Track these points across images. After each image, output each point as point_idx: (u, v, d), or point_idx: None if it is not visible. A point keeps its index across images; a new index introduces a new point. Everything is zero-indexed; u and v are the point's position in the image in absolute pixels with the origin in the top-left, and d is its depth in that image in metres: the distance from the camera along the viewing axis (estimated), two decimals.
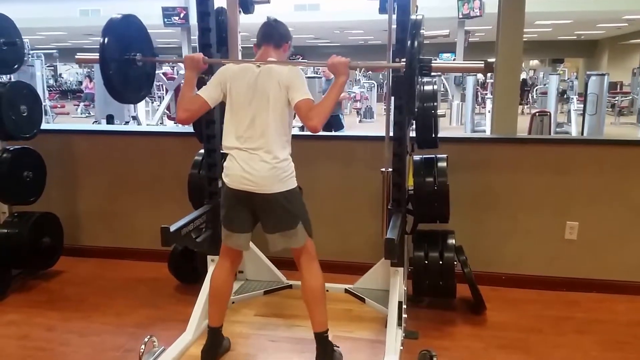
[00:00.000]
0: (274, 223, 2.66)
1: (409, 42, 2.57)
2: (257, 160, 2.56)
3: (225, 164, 2.68)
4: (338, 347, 2.78)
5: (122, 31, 2.91)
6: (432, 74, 2.77)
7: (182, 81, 9.38)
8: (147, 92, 3.12)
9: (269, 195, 2.57)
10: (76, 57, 3.07)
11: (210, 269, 3.30)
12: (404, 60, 2.58)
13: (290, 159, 2.64)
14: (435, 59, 2.75)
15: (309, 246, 2.74)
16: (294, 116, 2.67)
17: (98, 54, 2.78)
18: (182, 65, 12.65)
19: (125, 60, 2.90)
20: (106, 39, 2.79)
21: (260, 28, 2.77)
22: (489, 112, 12.72)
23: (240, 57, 3.46)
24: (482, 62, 2.67)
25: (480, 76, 16.14)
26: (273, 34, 2.73)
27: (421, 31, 2.66)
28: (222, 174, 2.68)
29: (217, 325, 2.82)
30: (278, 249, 2.70)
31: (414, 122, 3.31)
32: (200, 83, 2.78)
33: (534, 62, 31.36)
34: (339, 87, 2.59)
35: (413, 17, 2.70)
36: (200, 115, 2.75)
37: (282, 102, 2.57)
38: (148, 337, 2.75)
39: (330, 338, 2.72)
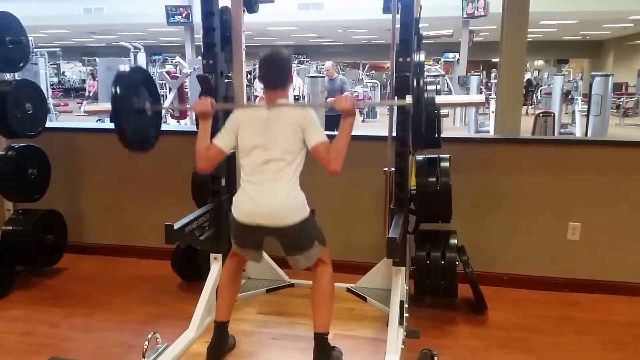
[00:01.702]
0: (290, 248, 2.72)
1: (414, 81, 2.63)
2: (270, 194, 2.58)
3: (235, 197, 2.69)
4: (336, 347, 2.79)
5: (131, 82, 2.99)
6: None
7: (185, 80, 9.38)
8: (156, 139, 3.20)
9: (284, 228, 2.60)
10: (86, 108, 3.15)
11: (213, 266, 3.32)
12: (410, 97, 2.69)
13: (301, 191, 2.65)
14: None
15: (324, 255, 2.79)
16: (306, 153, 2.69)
17: (110, 106, 2.86)
18: (184, 63, 12.57)
19: (135, 109, 2.96)
20: (117, 90, 2.85)
21: (261, 72, 2.74)
22: (492, 112, 12.69)
23: (244, 57, 3.47)
24: (482, 96, 2.75)
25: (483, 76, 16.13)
26: (273, 80, 2.71)
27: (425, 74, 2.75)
28: (232, 208, 2.68)
29: (225, 319, 2.83)
30: (302, 268, 2.76)
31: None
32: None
33: (539, 63, 31.30)
34: (349, 128, 2.63)
35: (416, 57, 2.75)
36: (218, 162, 2.80)
37: (297, 140, 2.60)
38: (151, 333, 2.76)
39: (331, 337, 2.73)
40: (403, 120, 3.08)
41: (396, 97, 3.04)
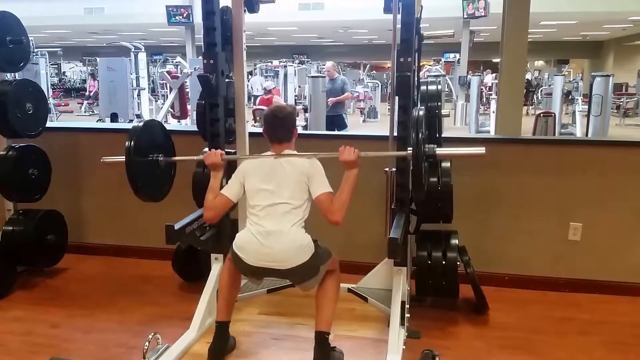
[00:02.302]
0: (297, 280, 2.78)
1: (413, 135, 2.72)
2: (276, 236, 2.62)
3: (240, 236, 2.72)
4: (337, 348, 2.79)
5: (144, 135, 3.12)
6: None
7: (186, 80, 9.37)
8: (169, 187, 3.33)
9: (288, 270, 2.64)
10: (102, 160, 3.27)
11: (214, 267, 3.31)
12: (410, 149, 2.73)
13: (306, 233, 2.69)
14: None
15: (332, 263, 2.83)
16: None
17: (124, 157, 2.96)
18: (184, 63, 12.56)
19: (149, 161, 3.08)
20: (132, 144, 2.97)
21: (266, 127, 2.84)
22: (493, 112, 12.69)
23: (244, 56, 3.47)
24: (483, 148, 2.77)
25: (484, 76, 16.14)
26: (281, 136, 2.80)
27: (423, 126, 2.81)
28: (234, 247, 2.71)
29: (226, 319, 2.83)
30: (312, 289, 2.79)
31: None
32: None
33: (539, 63, 31.30)
34: (353, 180, 2.70)
35: (415, 113, 2.78)
36: (225, 211, 2.88)
37: (303, 187, 2.68)
38: (152, 334, 2.76)
39: (332, 338, 2.73)
40: (404, 120, 3.07)
41: (397, 100, 3.05)
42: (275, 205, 2.65)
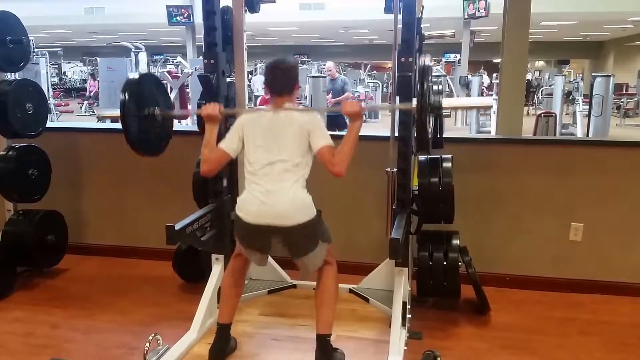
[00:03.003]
0: (297, 251, 2.71)
1: (419, 86, 2.63)
2: (277, 194, 2.57)
3: (240, 197, 2.68)
4: (338, 349, 2.78)
5: (140, 88, 2.98)
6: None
7: (187, 80, 9.38)
8: (166, 143, 3.20)
9: (292, 228, 2.58)
10: (98, 114, 3.16)
11: (215, 267, 3.31)
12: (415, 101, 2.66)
13: (307, 193, 2.65)
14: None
15: (329, 255, 2.79)
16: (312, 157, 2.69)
17: (119, 111, 2.85)
18: (185, 63, 12.58)
19: (145, 115, 2.96)
20: (126, 97, 2.85)
21: (268, 77, 2.79)
22: (494, 112, 12.66)
23: (245, 56, 3.47)
24: (492, 101, 2.72)
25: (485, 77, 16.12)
26: (282, 86, 2.74)
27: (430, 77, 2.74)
28: (236, 209, 2.67)
29: (227, 321, 2.83)
30: (312, 271, 2.77)
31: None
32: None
33: (540, 63, 31.28)
34: (356, 132, 2.65)
35: (422, 62, 2.74)
36: (222, 165, 2.82)
37: (303, 143, 2.62)
38: (152, 335, 2.76)
39: (333, 339, 2.72)
40: (405, 121, 3.07)
41: (398, 100, 3.04)
42: (274, 163, 2.59)
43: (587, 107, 11.15)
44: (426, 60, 2.75)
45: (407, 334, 3.04)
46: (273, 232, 2.61)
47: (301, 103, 11.55)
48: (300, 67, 18.85)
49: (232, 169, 3.45)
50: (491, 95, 15.86)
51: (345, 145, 2.59)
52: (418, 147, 3.06)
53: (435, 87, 2.85)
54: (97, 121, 13.22)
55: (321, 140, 2.59)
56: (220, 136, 2.82)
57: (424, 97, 2.63)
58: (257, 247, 2.76)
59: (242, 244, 2.77)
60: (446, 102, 2.81)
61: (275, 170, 2.59)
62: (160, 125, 3.07)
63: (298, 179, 2.60)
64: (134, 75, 3.05)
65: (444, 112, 3.43)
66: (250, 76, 19.49)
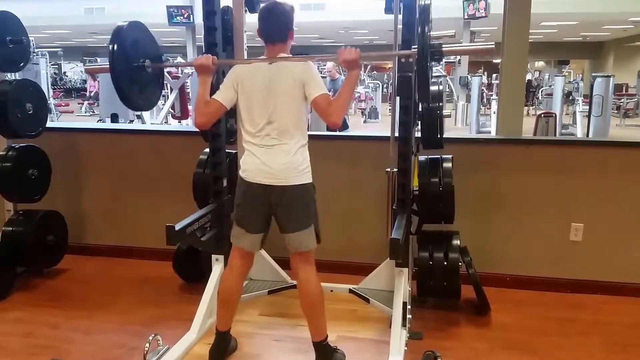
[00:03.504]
0: (290, 219, 2.65)
1: (419, 28, 2.57)
2: (276, 154, 2.58)
3: (242, 159, 2.69)
4: (338, 349, 2.78)
5: (129, 38, 2.90)
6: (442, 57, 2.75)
7: (187, 80, 9.36)
8: (157, 98, 3.15)
9: (286, 188, 2.58)
10: (85, 67, 3.13)
11: (215, 268, 3.31)
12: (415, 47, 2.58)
13: (307, 153, 2.65)
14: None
15: (312, 253, 2.73)
16: (310, 110, 2.69)
17: (108, 64, 2.81)
18: None
19: (135, 67, 2.91)
20: (115, 47, 2.79)
21: (260, 22, 2.71)
22: (494, 113, 12.68)
23: (246, 57, 3.46)
24: (492, 43, 2.69)
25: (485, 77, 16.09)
26: (274, 32, 2.68)
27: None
28: (239, 170, 2.69)
29: (226, 329, 2.81)
30: (297, 250, 2.68)
31: (419, 122, 3.31)
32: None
33: (540, 64, 31.27)
34: (353, 81, 2.60)
35: (421, 2, 2.67)
36: (217, 118, 2.77)
37: (299, 97, 2.58)
38: (152, 335, 2.76)
39: (333, 339, 2.71)
40: (406, 120, 3.07)
41: (398, 99, 3.04)
42: (273, 122, 2.58)
43: (587, 107, 11.15)
44: (426, 1, 2.67)
45: (408, 334, 3.04)
46: (270, 193, 2.60)
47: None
48: None
49: (231, 169, 3.45)
50: (491, 95, 15.84)
51: (342, 94, 2.57)
52: (419, 97, 3.01)
53: (434, 88, 2.81)
54: (98, 121, 13.24)
55: (316, 90, 2.55)
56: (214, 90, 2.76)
57: (425, 40, 2.55)
58: (254, 222, 2.70)
59: (238, 212, 2.73)
60: (447, 47, 2.73)
61: (274, 130, 2.59)
62: (151, 77, 3.02)
63: (296, 139, 2.60)
64: (123, 23, 2.92)
65: (444, 113, 3.43)
66: None
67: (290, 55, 2.70)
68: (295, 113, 2.60)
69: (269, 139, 2.60)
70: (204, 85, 2.71)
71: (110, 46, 2.79)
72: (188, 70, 11.97)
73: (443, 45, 2.70)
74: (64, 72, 28.03)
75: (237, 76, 2.68)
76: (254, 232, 2.72)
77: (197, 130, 3.62)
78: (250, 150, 2.64)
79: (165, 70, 14.71)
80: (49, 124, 4.13)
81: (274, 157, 2.58)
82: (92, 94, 19.76)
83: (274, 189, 2.60)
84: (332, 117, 2.51)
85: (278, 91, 2.59)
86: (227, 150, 3.46)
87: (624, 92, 18.80)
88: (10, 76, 4.32)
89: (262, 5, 2.76)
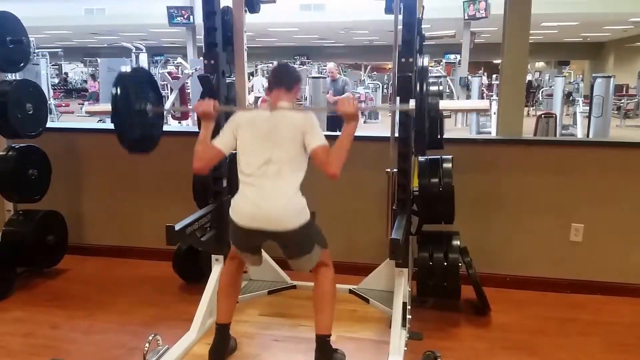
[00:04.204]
0: (291, 253, 2.70)
1: (418, 86, 2.64)
2: (270, 197, 2.54)
3: (234, 200, 2.65)
4: (338, 349, 2.78)
5: (132, 84, 2.94)
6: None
7: (187, 81, 9.36)
8: (157, 140, 3.18)
9: (283, 233, 2.56)
10: (86, 109, 3.14)
11: (215, 268, 3.31)
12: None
13: (302, 196, 2.62)
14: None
15: (325, 257, 2.77)
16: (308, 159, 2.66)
17: (110, 107, 2.84)
18: (185, 64, 12.55)
19: (136, 111, 2.93)
20: (118, 92, 2.82)
21: (272, 72, 2.85)
22: (494, 113, 12.67)
23: (245, 57, 3.47)
24: (487, 102, 2.75)
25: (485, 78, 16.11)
26: (284, 79, 2.77)
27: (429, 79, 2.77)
28: (230, 210, 2.65)
29: (226, 321, 2.81)
30: (305, 271, 2.76)
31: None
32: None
33: (540, 64, 31.28)
34: (351, 132, 2.60)
35: (421, 63, 2.75)
36: (215, 163, 2.79)
37: (298, 144, 2.58)
38: (152, 335, 2.76)
39: (333, 339, 2.71)
40: (405, 122, 3.07)
41: (398, 100, 3.04)
42: (269, 164, 2.57)
43: (588, 108, 11.14)
44: (425, 61, 2.75)
45: (407, 335, 3.04)
46: (266, 236, 2.61)
47: (301, 104, 11.57)
48: (300, 68, 18.82)
49: (231, 169, 3.44)
50: (491, 95, 15.85)
51: (340, 146, 2.56)
52: (415, 147, 3.07)
53: (434, 88, 2.85)
54: (98, 121, 13.23)
55: (315, 140, 2.56)
56: (216, 133, 2.79)
57: (422, 98, 2.64)
58: (250, 250, 2.76)
59: (235, 246, 2.76)
60: (443, 104, 2.83)
61: (270, 172, 2.56)
62: (151, 122, 3.05)
63: (293, 183, 2.57)
64: (126, 68, 3.04)
65: (445, 113, 3.43)
66: (250, 77, 19.47)
67: (291, 105, 2.75)
68: (293, 157, 2.59)
69: (264, 180, 2.56)
70: (206, 130, 2.75)
71: (113, 90, 2.83)
72: (188, 70, 11.99)
73: (440, 103, 2.84)
74: (65, 73, 28.08)
75: (237, 122, 2.71)
76: (251, 253, 2.79)
77: (197, 130, 3.64)
78: (244, 191, 2.61)
79: (166, 71, 14.65)
80: (49, 124, 4.13)
81: (269, 200, 2.54)
82: (91, 94, 19.77)
83: (271, 233, 2.58)
84: (331, 168, 2.51)
85: (277, 136, 2.60)
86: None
87: (624, 93, 18.80)
88: (10, 76, 4.31)
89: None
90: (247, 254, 2.78)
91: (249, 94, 13.41)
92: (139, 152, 3.07)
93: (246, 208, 2.58)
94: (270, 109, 2.69)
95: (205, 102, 2.77)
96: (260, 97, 13.86)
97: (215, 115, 2.78)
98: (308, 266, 2.73)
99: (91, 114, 3.05)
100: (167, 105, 11.84)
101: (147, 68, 13.84)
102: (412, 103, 2.80)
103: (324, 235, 2.79)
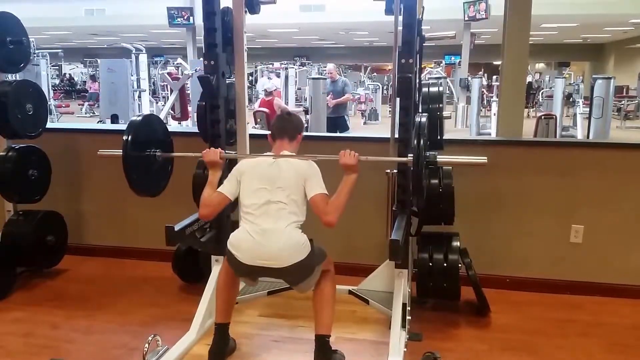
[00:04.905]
0: (292, 283, 2.78)
1: (415, 141, 2.71)
2: (272, 234, 2.60)
3: (235, 235, 2.69)
4: (338, 350, 2.78)
5: (143, 130, 3.12)
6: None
7: (187, 82, 9.34)
8: (166, 183, 3.36)
9: (284, 268, 2.61)
10: (99, 152, 3.27)
11: (214, 268, 3.31)
12: (411, 156, 2.73)
13: (302, 233, 2.67)
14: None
15: (326, 264, 2.82)
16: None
17: (121, 151, 2.97)
18: (185, 65, 12.52)
19: (146, 156, 3.09)
20: (129, 138, 2.98)
21: (275, 122, 2.98)
22: (494, 114, 12.69)
23: (245, 58, 3.46)
24: (485, 158, 2.82)
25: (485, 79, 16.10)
26: (287, 128, 2.88)
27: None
28: (229, 246, 2.68)
29: (225, 321, 2.82)
30: (308, 290, 2.79)
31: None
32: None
33: (540, 66, 31.29)
34: (351, 185, 2.69)
35: (418, 119, 2.81)
36: (220, 210, 2.85)
37: (299, 189, 2.67)
38: (152, 336, 2.76)
39: (333, 340, 2.72)
40: (405, 122, 3.07)
41: (398, 101, 3.05)
42: (271, 203, 2.64)
43: (588, 109, 11.14)
44: (422, 118, 2.79)
45: (407, 336, 3.04)
46: (266, 271, 2.66)
47: (301, 105, 11.60)
48: (300, 69, 18.76)
49: (231, 169, 3.44)
50: (491, 96, 15.84)
51: (339, 196, 2.64)
52: (415, 200, 3.12)
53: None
54: (98, 122, 13.24)
55: (315, 188, 2.64)
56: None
57: (420, 152, 2.70)
58: (249, 278, 2.85)
59: (234, 271, 2.78)
60: (440, 158, 2.94)
61: (272, 210, 2.64)
62: (160, 166, 3.20)
63: (294, 222, 2.64)
64: (138, 117, 3.21)
65: (445, 114, 3.43)
66: (250, 78, 19.45)
67: (294, 154, 2.82)
68: (294, 200, 2.66)
69: (265, 218, 2.62)
70: (213, 177, 2.88)
71: (124, 136, 2.98)
72: (188, 71, 11.99)
73: (437, 156, 2.94)
74: (65, 74, 28.09)
75: (241, 169, 2.80)
76: (251, 280, 2.91)
77: (197, 131, 3.65)
78: (245, 227, 2.66)
79: (166, 71, 14.65)
80: (49, 125, 4.14)
81: (271, 237, 2.59)
82: (91, 94, 19.77)
83: (272, 270, 2.64)
84: (329, 216, 2.58)
85: (279, 179, 2.68)
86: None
87: (624, 94, 18.81)
88: (10, 77, 4.32)
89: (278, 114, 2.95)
90: (246, 279, 2.87)
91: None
92: (148, 195, 3.24)
93: (247, 245, 2.63)
94: (273, 157, 2.79)
95: (212, 152, 2.92)
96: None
97: (222, 164, 2.92)
98: (310, 287, 2.77)
99: (106, 157, 3.19)
100: (167, 105, 11.86)
101: (146, 69, 13.88)
102: (409, 157, 2.82)
103: (323, 248, 2.82)
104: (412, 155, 2.72)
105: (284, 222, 2.62)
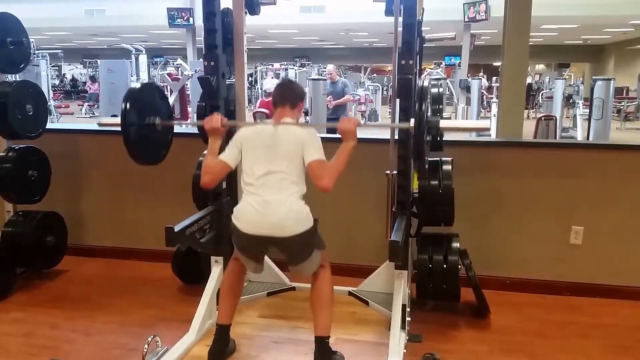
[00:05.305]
0: (292, 259, 2.76)
1: (417, 105, 2.70)
2: (274, 205, 2.60)
3: (237, 208, 2.71)
4: (337, 351, 2.78)
5: (141, 97, 3.09)
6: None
7: (187, 82, 9.35)
8: (166, 151, 3.33)
9: (288, 238, 2.61)
10: (98, 122, 3.27)
11: (214, 269, 3.31)
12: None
13: (305, 204, 2.67)
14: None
15: (323, 259, 2.81)
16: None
17: (120, 120, 2.94)
18: (185, 65, 12.57)
19: (145, 125, 3.05)
20: (127, 106, 2.95)
21: (276, 88, 2.93)
22: (494, 116, 12.67)
23: (245, 59, 3.47)
24: (488, 121, 2.78)
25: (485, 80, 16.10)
26: (289, 96, 2.84)
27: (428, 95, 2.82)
28: (233, 218, 2.69)
29: (227, 322, 2.83)
30: (305, 276, 2.82)
31: None
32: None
33: (540, 67, 31.29)
34: (348, 152, 2.66)
35: (420, 83, 2.77)
36: (222, 177, 2.89)
37: (299, 156, 2.65)
38: (151, 336, 2.76)
39: (332, 341, 2.72)
40: (404, 139, 3.07)
41: (398, 101, 3.04)
42: (271, 174, 2.63)
43: (588, 110, 11.14)
44: (424, 82, 2.79)
45: (407, 337, 3.04)
46: (270, 242, 2.66)
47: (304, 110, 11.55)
48: (300, 70, 18.74)
49: (231, 171, 3.44)
50: (491, 97, 15.85)
51: (336, 161, 2.63)
52: (416, 164, 3.12)
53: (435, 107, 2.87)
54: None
55: (313, 154, 2.63)
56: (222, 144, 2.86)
57: (422, 117, 2.69)
58: (254, 256, 2.82)
59: (239, 251, 2.79)
60: (443, 123, 2.89)
61: (273, 180, 2.63)
62: (160, 134, 3.14)
63: (295, 191, 2.64)
64: (136, 84, 3.14)
65: (445, 115, 3.43)
66: (250, 78, 19.44)
67: (294, 121, 2.81)
68: (294, 169, 2.65)
69: (266, 189, 2.63)
70: (214, 145, 2.83)
71: (123, 104, 2.94)
72: (187, 72, 12.00)
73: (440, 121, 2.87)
74: (67, 74, 28.10)
75: (242, 137, 2.78)
76: (255, 262, 2.86)
77: (197, 132, 3.65)
78: (247, 199, 2.66)
79: (166, 72, 14.68)
80: (49, 125, 4.14)
81: (273, 207, 2.60)
82: (91, 95, 19.77)
83: (274, 239, 2.64)
84: (323, 181, 2.57)
85: (280, 148, 2.67)
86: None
87: (624, 96, 18.82)
88: (10, 77, 4.31)
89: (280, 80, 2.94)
90: (251, 260, 2.83)
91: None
92: (147, 164, 3.20)
93: (250, 215, 2.63)
94: (273, 125, 2.76)
95: (214, 118, 2.85)
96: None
97: (223, 131, 2.86)
98: (309, 271, 2.77)
99: (104, 125, 3.16)
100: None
101: (146, 69, 13.88)
102: (411, 121, 2.82)
103: (323, 237, 2.81)
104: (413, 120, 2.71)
105: (285, 193, 2.61)
